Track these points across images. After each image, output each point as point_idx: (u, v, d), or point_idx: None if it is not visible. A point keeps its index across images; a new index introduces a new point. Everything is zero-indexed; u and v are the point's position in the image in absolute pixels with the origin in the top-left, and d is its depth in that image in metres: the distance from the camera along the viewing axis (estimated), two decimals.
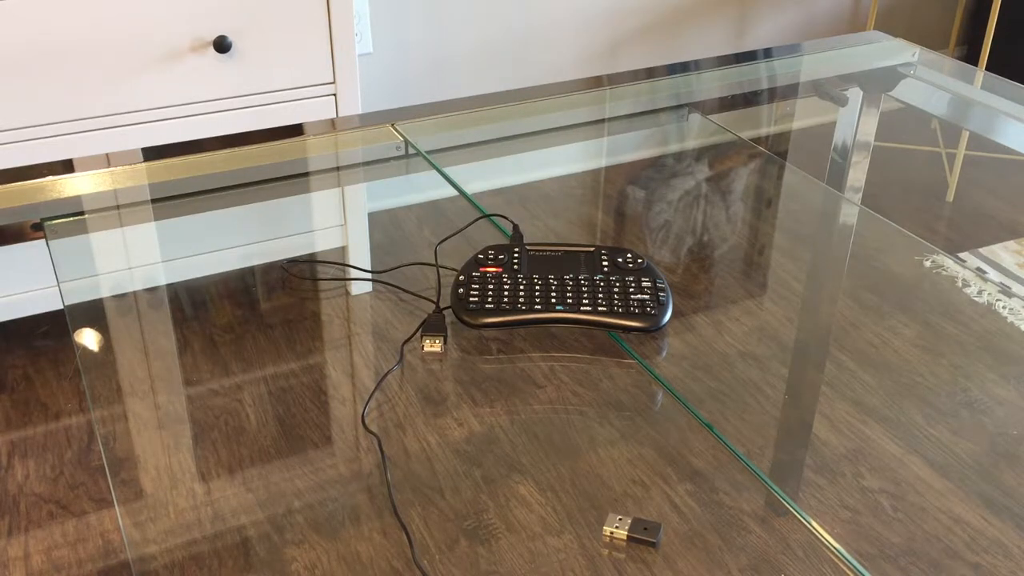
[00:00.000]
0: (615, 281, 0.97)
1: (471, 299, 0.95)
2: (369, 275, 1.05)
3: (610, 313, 0.93)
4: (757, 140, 1.38)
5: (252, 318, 0.99)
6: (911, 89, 1.48)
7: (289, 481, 0.80)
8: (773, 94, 1.48)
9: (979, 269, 1.86)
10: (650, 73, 1.47)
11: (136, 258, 1.10)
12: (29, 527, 1.61)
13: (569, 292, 0.95)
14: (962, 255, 2.08)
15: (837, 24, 2.93)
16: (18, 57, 1.66)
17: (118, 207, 1.15)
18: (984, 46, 2.52)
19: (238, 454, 0.82)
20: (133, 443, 0.83)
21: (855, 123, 1.41)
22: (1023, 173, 2.32)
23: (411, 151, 1.27)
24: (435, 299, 1.00)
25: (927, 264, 1.08)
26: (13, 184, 1.14)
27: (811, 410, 0.87)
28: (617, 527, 0.75)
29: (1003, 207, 2.27)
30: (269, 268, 1.08)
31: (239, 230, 1.17)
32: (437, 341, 0.93)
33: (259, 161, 1.24)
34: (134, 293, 1.03)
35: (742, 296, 1.02)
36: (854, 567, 0.72)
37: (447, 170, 1.23)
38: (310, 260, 1.10)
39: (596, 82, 1.45)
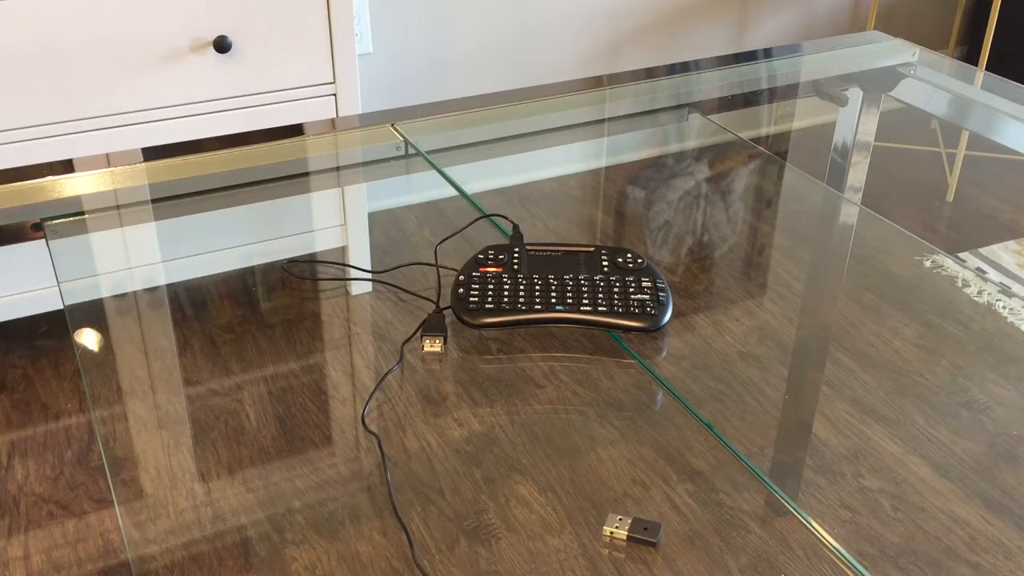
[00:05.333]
0: (615, 281, 0.97)
1: (471, 299, 0.95)
2: (369, 275, 1.05)
3: (610, 313, 0.93)
4: (757, 140, 1.38)
5: (252, 318, 0.99)
6: (911, 89, 1.48)
7: (289, 481, 0.80)
8: (773, 94, 1.48)
9: (979, 269, 1.86)
10: (650, 73, 1.47)
11: (136, 258, 1.10)
12: (29, 527, 1.61)
13: (569, 292, 0.95)
14: (962, 255, 2.08)
15: (837, 24, 2.92)
16: (18, 57, 1.66)
17: (118, 207, 1.15)
18: (984, 46, 2.52)
19: (238, 454, 0.82)
20: (133, 443, 0.83)
21: (855, 123, 1.41)
22: (1023, 173, 2.32)
23: (411, 151, 1.27)
24: (435, 299, 1.00)
25: (927, 264, 1.08)
26: (13, 184, 1.14)
27: (811, 410, 0.87)
28: (617, 527, 0.75)
29: (1003, 207, 2.27)
30: (269, 268, 1.08)
31: (239, 230, 1.17)
32: (437, 341, 0.93)
33: (259, 161, 1.23)
34: (134, 293, 1.03)
35: (742, 296, 1.02)
36: (854, 567, 0.72)
37: (447, 170, 1.23)
38: (310, 260, 1.10)
39: (596, 82, 1.45)
